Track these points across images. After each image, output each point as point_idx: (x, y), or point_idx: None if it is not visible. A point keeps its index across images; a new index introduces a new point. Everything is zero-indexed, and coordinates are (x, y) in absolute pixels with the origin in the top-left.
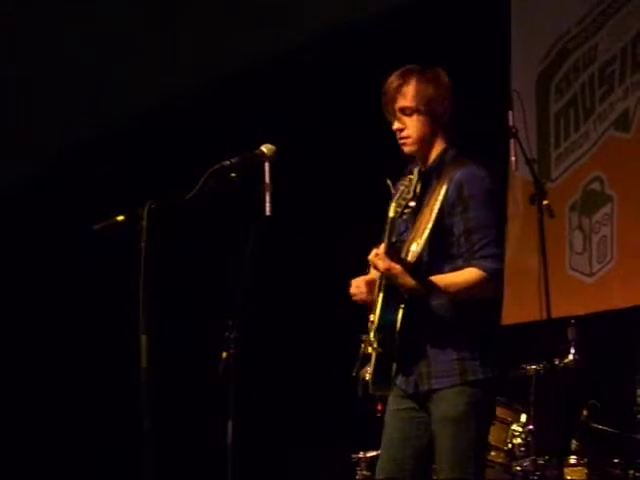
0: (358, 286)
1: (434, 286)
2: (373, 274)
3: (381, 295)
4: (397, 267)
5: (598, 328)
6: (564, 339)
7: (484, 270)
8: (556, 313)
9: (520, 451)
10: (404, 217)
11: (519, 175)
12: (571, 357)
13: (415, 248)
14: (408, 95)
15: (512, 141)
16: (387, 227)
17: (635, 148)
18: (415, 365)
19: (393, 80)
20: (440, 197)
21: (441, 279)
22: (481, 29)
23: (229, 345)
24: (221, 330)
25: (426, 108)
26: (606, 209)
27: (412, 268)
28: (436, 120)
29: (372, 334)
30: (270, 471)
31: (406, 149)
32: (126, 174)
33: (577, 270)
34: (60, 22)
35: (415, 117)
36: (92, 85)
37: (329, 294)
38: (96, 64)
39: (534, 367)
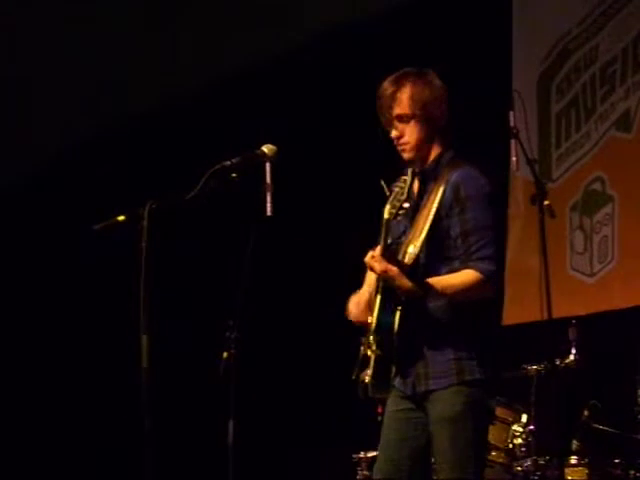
0: (358, 303)
1: (431, 288)
2: (367, 295)
3: (379, 297)
4: (394, 269)
5: (599, 328)
6: (565, 339)
7: (481, 272)
8: (557, 313)
9: (521, 451)
10: (399, 218)
11: (520, 175)
12: (572, 357)
13: (412, 250)
14: (403, 102)
15: (513, 141)
16: (382, 229)
17: (636, 148)
18: (413, 366)
19: (387, 87)
20: (437, 199)
21: (438, 281)
22: (482, 29)
23: (230, 345)
24: (222, 330)
25: (422, 113)
26: (607, 209)
27: (409, 270)
28: (433, 124)
29: (370, 336)
30: (271, 471)
31: (406, 155)
32: (126, 174)
33: (578, 270)
34: (60, 22)
35: (412, 123)
36: (92, 85)
37: (330, 294)
38: (96, 64)
39: (535, 367)
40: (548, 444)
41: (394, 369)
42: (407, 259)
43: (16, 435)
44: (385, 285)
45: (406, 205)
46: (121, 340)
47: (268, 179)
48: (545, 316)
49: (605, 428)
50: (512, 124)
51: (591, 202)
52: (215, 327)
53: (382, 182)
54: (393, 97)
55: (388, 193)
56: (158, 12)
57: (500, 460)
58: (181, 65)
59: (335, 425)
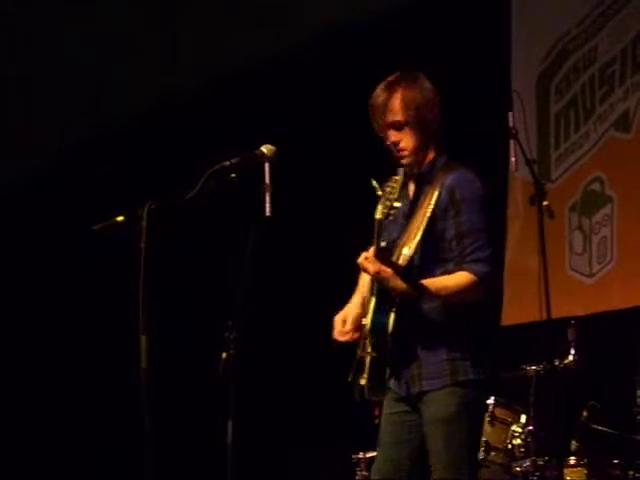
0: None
1: (425, 289)
2: (354, 310)
3: (373, 299)
4: (388, 270)
5: (598, 329)
6: (564, 340)
7: (475, 274)
8: (556, 314)
9: (520, 452)
10: (390, 218)
11: (519, 176)
12: (571, 358)
13: (407, 252)
14: (396, 108)
15: (512, 142)
16: (375, 229)
17: (635, 149)
18: (407, 368)
19: (379, 94)
20: (432, 201)
21: (432, 283)
22: (481, 30)
23: (229, 345)
24: (221, 330)
25: (415, 117)
26: (606, 210)
27: (403, 271)
28: (426, 127)
29: (365, 338)
30: (270, 471)
31: (404, 161)
32: (126, 174)
33: (577, 271)
34: (60, 22)
35: (407, 129)
36: (92, 85)
37: (329, 294)
38: (96, 64)
39: (534, 368)
40: (547, 444)
41: (388, 371)
42: (401, 261)
43: (16, 435)
44: (379, 287)
45: (397, 205)
46: (120, 340)
47: (267, 179)
48: (544, 316)
49: (604, 429)
50: (511, 124)
51: (590, 202)
52: (214, 327)
53: (374, 182)
54: (385, 104)
55: (380, 193)
56: (158, 12)
57: (499, 460)
58: (181, 65)
59: (334, 425)
